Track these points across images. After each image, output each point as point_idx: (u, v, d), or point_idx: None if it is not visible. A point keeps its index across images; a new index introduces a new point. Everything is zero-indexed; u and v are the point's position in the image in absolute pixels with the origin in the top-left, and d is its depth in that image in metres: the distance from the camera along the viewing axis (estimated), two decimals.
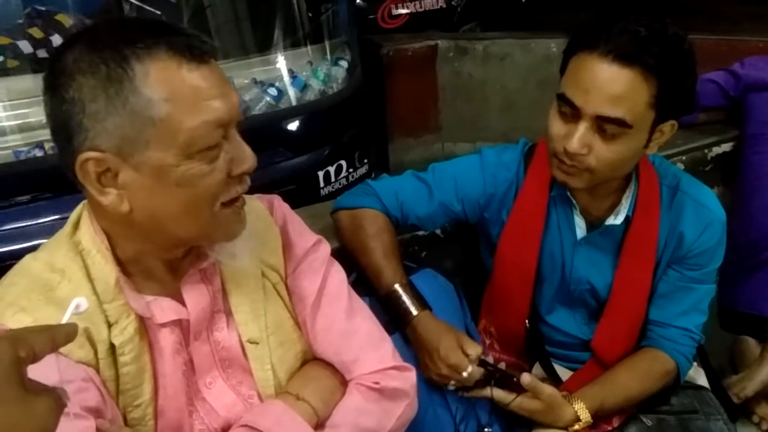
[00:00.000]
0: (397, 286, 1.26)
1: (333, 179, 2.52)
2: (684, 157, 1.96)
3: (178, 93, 0.76)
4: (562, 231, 1.34)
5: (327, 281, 1.04)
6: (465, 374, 1.17)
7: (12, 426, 0.52)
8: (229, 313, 0.96)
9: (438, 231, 1.55)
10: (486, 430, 1.27)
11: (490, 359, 1.23)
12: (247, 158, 0.84)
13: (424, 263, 1.41)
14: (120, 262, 0.86)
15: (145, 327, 0.87)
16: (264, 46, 2.57)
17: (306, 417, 0.94)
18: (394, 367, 1.03)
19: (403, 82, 3.49)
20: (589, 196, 1.29)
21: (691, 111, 1.20)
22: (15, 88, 2.03)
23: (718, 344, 1.75)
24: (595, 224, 1.32)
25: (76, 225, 0.88)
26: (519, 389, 1.21)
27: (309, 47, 2.69)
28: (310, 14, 2.72)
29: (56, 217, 1.81)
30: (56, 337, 0.57)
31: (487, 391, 1.21)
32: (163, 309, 0.88)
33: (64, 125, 0.77)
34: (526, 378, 1.20)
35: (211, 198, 0.82)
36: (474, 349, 1.19)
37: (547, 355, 1.44)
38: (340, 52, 2.84)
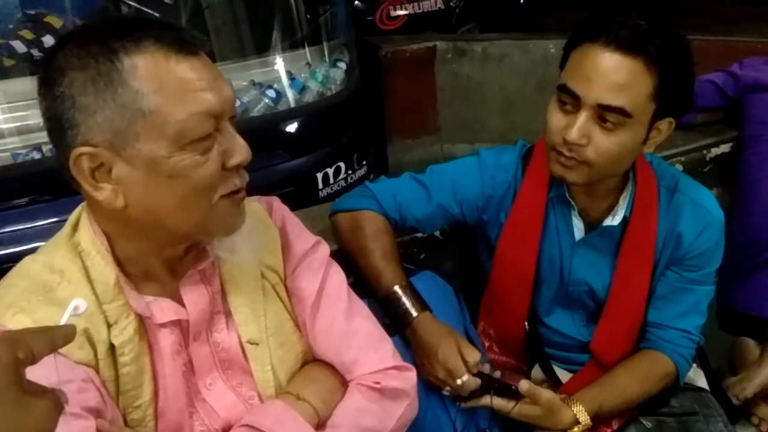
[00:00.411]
0: (396, 288, 1.26)
1: (332, 181, 2.52)
2: (683, 158, 1.96)
3: (166, 84, 0.77)
4: (560, 232, 1.34)
5: (326, 282, 1.04)
6: (459, 382, 1.17)
7: (10, 428, 0.52)
8: (228, 314, 0.96)
9: (437, 233, 1.55)
10: None
11: (487, 368, 1.23)
12: (241, 149, 0.84)
13: (422, 265, 1.41)
14: (119, 263, 0.86)
15: (144, 327, 0.88)
16: (262, 48, 2.57)
17: (307, 417, 0.94)
18: (394, 367, 1.03)
19: (402, 83, 3.49)
20: (587, 196, 1.29)
21: (689, 110, 1.20)
22: (12, 91, 2.03)
23: (718, 345, 1.75)
24: (593, 225, 1.32)
25: (75, 226, 0.88)
26: (517, 396, 1.21)
27: (307, 49, 2.69)
28: (309, 16, 2.73)
29: (54, 219, 1.82)
30: (55, 339, 0.57)
31: (487, 400, 1.20)
32: (163, 309, 0.88)
33: (57, 122, 0.78)
34: (524, 385, 1.19)
35: (207, 189, 0.82)
36: (473, 356, 1.18)
37: (546, 357, 1.44)
38: (339, 53, 2.84)
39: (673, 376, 1.35)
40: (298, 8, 2.68)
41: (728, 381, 1.66)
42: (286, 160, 2.37)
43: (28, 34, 2.10)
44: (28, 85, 2.01)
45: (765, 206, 1.85)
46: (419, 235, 1.52)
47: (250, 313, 0.96)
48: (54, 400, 0.56)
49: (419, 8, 4.26)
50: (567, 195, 1.30)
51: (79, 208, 0.90)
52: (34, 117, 1.96)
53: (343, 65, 2.78)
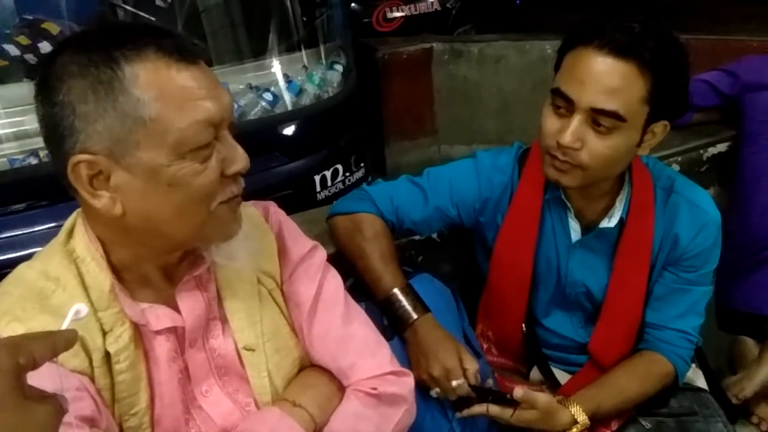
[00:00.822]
0: (397, 290, 1.26)
1: (329, 183, 2.52)
2: (679, 158, 1.96)
3: (167, 93, 0.77)
4: (557, 234, 1.34)
5: (323, 287, 1.04)
6: (454, 383, 1.16)
7: None
8: (224, 320, 0.95)
9: (434, 235, 1.55)
10: None
11: (489, 382, 1.23)
12: (240, 158, 0.84)
13: (420, 268, 1.41)
14: (115, 270, 0.86)
15: (140, 335, 0.87)
16: (259, 51, 2.57)
17: (303, 424, 0.93)
18: (392, 373, 1.02)
19: (399, 85, 3.49)
20: (583, 198, 1.29)
21: (683, 112, 1.20)
22: (9, 96, 2.03)
23: (716, 345, 1.75)
24: (589, 227, 1.32)
25: (70, 233, 0.88)
26: (514, 403, 1.21)
27: (304, 52, 2.69)
28: (305, 19, 2.73)
29: (52, 225, 1.81)
30: (56, 344, 0.57)
31: (483, 409, 1.20)
32: (158, 316, 0.88)
33: (56, 129, 0.77)
34: (518, 392, 1.19)
35: (205, 198, 0.82)
36: (471, 364, 1.18)
37: (544, 359, 1.44)
38: (335, 56, 2.84)
39: (672, 376, 1.35)
40: (295, 11, 2.68)
41: (727, 381, 1.66)
42: (284, 163, 2.37)
43: (24, 39, 2.10)
44: (25, 90, 2.01)
45: (764, 205, 1.85)
46: (417, 237, 1.52)
47: (246, 319, 0.96)
48: (55, 406, 0.56)
49: (416, 10, 4.27)
50: (563, 197, 1.30)
51: (74, 214, 0.89)
52: (31, 122, 1.95)
53: (339, 67, 2.78)
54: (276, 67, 2.57)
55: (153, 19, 2.34)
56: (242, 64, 2.53)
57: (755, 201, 1.87)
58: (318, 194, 2.48)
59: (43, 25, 2.16)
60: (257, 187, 2.17)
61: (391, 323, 1.25)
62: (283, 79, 2.54)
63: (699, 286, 1.34)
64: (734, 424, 1.43)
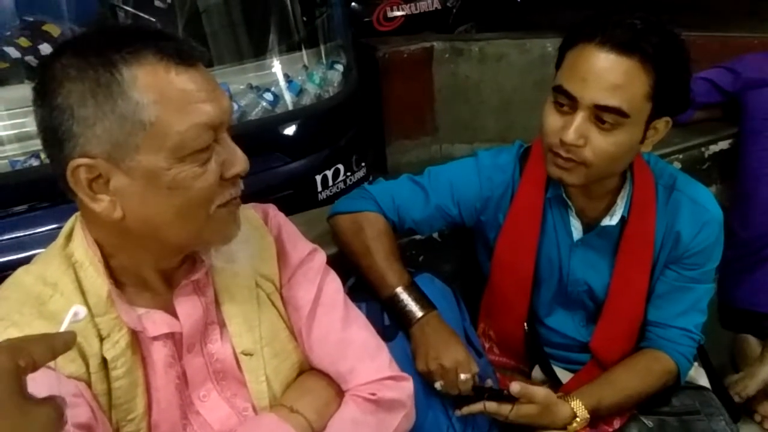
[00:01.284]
0: (401, 288, 1.26)
1: (331, 183, 2.52)
2: (681, 156, 1.96)
3: (166, 96, 0.76)
4: (559, 233, 1.34)
5: (322, 290, 1.03)
6: (463, 377, 1.16)
7: None
8: (222, 325, 0.95)
9: (435, 235, 1.55)
10: None
11: (489, 382, 1.23)
12: (239, 161, 0.84)
13: (421, 267, 1.41)
14: (113, 274, 0.86)
15: (137, 340, 0.87)
16: (259, 51, 2.57)
17: (300, 430, 0.93)
18: (390, 377, 1.01)
19: (400, 84, 3.49)
20: (585, 197, 1.29)
21: (686, 108, 1.20)
22: (11, 98, 2.03)
23: (719, 343, 1.74)
24: (591, 225, 1.32)
25: (69, 237, 0.87)
26: (512, 400, 1.21)
27: (304, 51, 2.69)
28: (305, 18, 2.73)
29: (54, 226, 1.81)
30: (55, 346, 0.57)
31: (480, 406, 1.20)
32: (155, 322, 0.87)
33: (54, 133, 0.77)
34: (515, 387, 1.19)
35: (205, 201, 0.82)
36: (474, 367, 1.19)
37: (546, 358, 1.44)
38: (336, 55, 2.84)
39: (674, 374, 1.34)
40: (295, 11, 2.68)
41: (730, 379, 1.65)
42: (285, 163, 2.37)
43: (24, 42, 2.11)
44: (26, 91, 2.01)
45: (766, 202, 1.85)
46: (418, 237, 1.52)
47: (244, 323, 0.95)
48: (56, 408, 0.56)
49: (416, 9, 4.27)
50: (564, 195, 1.30)
51: (73, 218, 0.89)
52: (33, 124, 1.93)
53: (340, 67, 2.78)
54: (276, 67, 2.57)
55: (153, 20, 2.34)
56: (243, 64, 2.53)
57: (757, 198, 1.87)
58: (319, 194, 2.48)
59: (44, 27, 2.16)
60: (258, 187, 2.17)
61: (396, 321, 1.25)
62: (284, 79, 2.54)
63: (701, 283, 1.34)
64: (737, 423, 1.42)
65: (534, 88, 3.39)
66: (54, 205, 1.84)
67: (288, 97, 2.51)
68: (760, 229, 1.85)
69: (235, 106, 2.35)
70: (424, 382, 1.20)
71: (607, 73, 1.08)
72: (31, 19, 2.19)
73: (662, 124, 1.17)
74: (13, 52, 2.08)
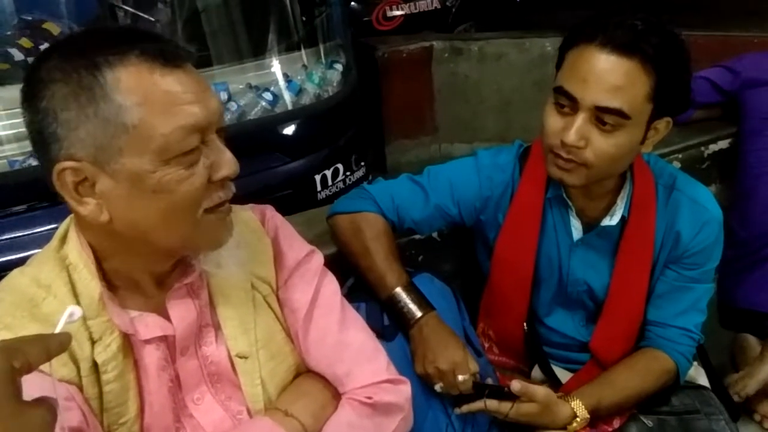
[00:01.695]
0: (400, 288, 1.25)
1: (330, 183, 2.52)
2: (681, 155, 1.96)
3: (150, 98, 0.75)
4: (559, 233, 1.34)
5: (320, 292, 1.02)
6: (461, 378, 1.16)
7: None
8: (217, 327, 0.94)
9: (435, 235, 1.55)
10: None
11: (489, 380, 1.23)
12: (228, 163, 0.82)
13: (421, 267, 1.41)
14: (106, 277, 0.85)
15: (129, 344, 0.86)
16: (258, 51, 2.57)
17: None
18: (388, 381, 1.01)
19: (399, 83, 3.49)
20: (585, 197, 1.28)
21: (686, 108, 1.19)
22: (10, 97, 2.03)
23: (718, 343, 1.74)
24: (591, 225, 1.32)
25: (63, 239, 0.87)
26: (512, 398, 1.20)
27: (303, 51, 2.69)
28: (304, 18, 2.73)
29: (53, 226, 1.78)
30: (50, 347, 0.57)
31: (481, 404, 1.19)
32: (148, 325, 0.87)
33: (41, 135, 0.76)
34: (516, 385, 1.18)
35: (192, 204, 0.81)
36: (474, 366, 1.18)
37: (546, 358, 1.44)
38: (335, 55, 2.84)
39: (673, 373, 1.34)
40: (294, 10, 2.68)
41: (730, 378, 1.65)
42: (284, 163, 2.37)
43: (26, 42, 2.10)
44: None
45: (765, 202, 1.85)
46: (417, 237, 1.52)
47: (239, 326, 0.94)
48: (50, 410, 0.56)
49: (415, 8, 4.27)
50: (564, 195, 1.30)
51: (68, 220, 0.88)
52: None
53: (339, 67, 2.78)
54: (276, 66, 2.57)
55: (153, 19, 2.34)
56: (242, 64, 2.53)
57: (756, 198, 1.87)
58: (318, 194, 2.48)
59: (44, 26, 2.16)
60: (257, 187, 2.17)
61: (395, 321, 1.25)
62: (283, 79, 2.54)
63: (701, 283, 1.34)
64: (736, 422, 1.42)
65: (533, 88, 3.39)
66: (53, 205, 1.84)
67: (287, 97, 2.51)
68: (759, 228, 1.85)
69: (235, 106, 2.35)
70: (423, 381, 1.20)
71: (607, 74, 1.08)
72: (30, 18, 2.19)
73: (663, 125, 1.17)
74: (16, 54, 2.08)
